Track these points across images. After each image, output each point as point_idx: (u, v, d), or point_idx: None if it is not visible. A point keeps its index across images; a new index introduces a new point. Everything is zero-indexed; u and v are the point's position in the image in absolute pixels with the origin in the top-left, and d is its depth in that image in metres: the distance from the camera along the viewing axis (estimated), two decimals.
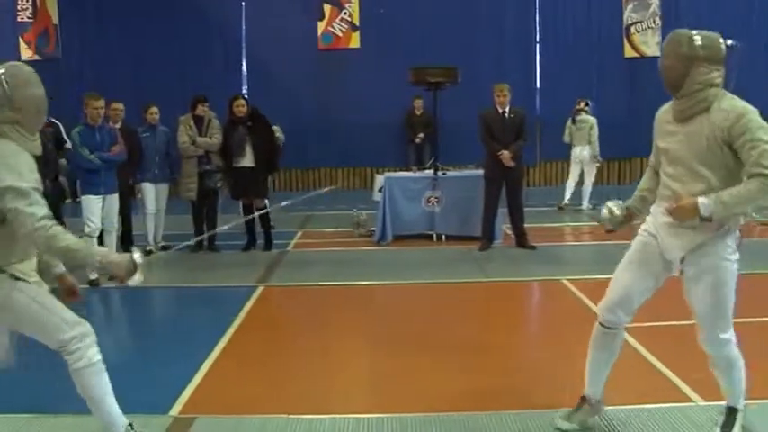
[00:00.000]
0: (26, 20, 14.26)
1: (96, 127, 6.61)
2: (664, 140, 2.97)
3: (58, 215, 7.46)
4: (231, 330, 4.98)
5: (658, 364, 4.00)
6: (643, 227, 3.11)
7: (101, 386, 3.00)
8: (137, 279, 2.84)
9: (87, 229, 6.56)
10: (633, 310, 3.08)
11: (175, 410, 3.61)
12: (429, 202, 8.19)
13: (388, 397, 3.78)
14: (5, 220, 2.66)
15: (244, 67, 13.95)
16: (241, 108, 7.72)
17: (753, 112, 2.74)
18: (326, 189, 3.30)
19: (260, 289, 6.20)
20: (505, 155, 7.48)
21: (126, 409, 3.52)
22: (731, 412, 3.09)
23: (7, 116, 2.72)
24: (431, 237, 8.22)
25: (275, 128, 8.36)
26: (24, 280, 2.80)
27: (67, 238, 2.67)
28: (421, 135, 12.36)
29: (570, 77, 13.26)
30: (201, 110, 7.77)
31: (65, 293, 3.12)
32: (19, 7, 14.14)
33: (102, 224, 6.67)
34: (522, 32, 14.01)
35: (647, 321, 4.08)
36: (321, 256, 7.78)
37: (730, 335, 2.93)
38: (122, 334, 5.55)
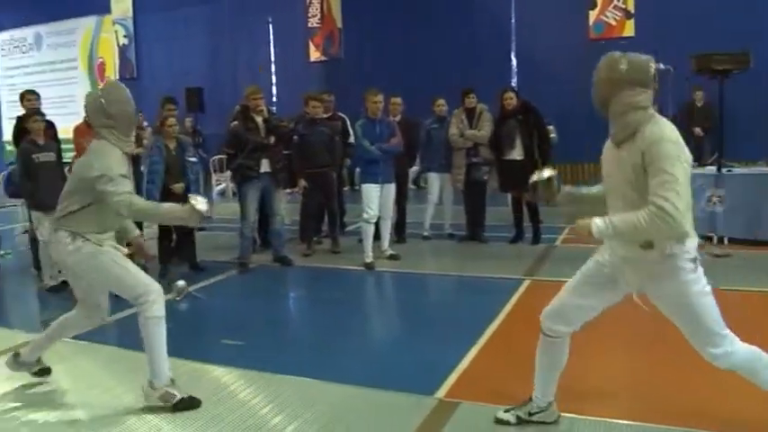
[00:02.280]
0: (315, 25, 15.75)
1: (376, 120, 7.05)
2: (604, 167, 3.04)
3: (340, 201, 8.22)
4: (497, 321, 5.00)
5: None
6: (597, 256, 3.12)
7: (158, 337, 3.65)
8: (201, 208, 3.45)
9: (365, 216, 7.04)
10: (574, 324, 3.14)
11: (441, 393, 3.71)
12: (711, 201, 7.44)
13: (646, 404, 3.51)
14: (96, 200, 3.50)
15: (513, 60, 13.93)
16: (510, 101, 7.68)
17: (669, 141, 2.68)
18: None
19: (526, 282, 6.13)
20: None
21: (393, 387, 3.74)
22: None
23: (104, 122, 3.58)
24: (710, 239, 7.48)
25: (549, 128, 8.18)
26: (100, 245, 3.58)
27: (140, 203, 3.57)
28: (698, 129, 11.26)
29: None
30: (469, 102, 7.89)
31: (138, 253, 4.14)
32: (309, 14, 15.67)
33: (380, 212, 7.10)
34: None
35: None
36: (592, 253, 7.41)
37: (726, 346, 2.85)
38: (394, 315, 5.86)
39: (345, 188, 9.07)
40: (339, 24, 15.55)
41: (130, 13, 18.44)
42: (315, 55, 15.85)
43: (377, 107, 7.05)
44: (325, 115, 7.71)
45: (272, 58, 16.39)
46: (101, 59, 19.33)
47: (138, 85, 17.94)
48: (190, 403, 3.65)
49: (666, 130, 2.73)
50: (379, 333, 5.31)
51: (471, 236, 8.06)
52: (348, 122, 8.25)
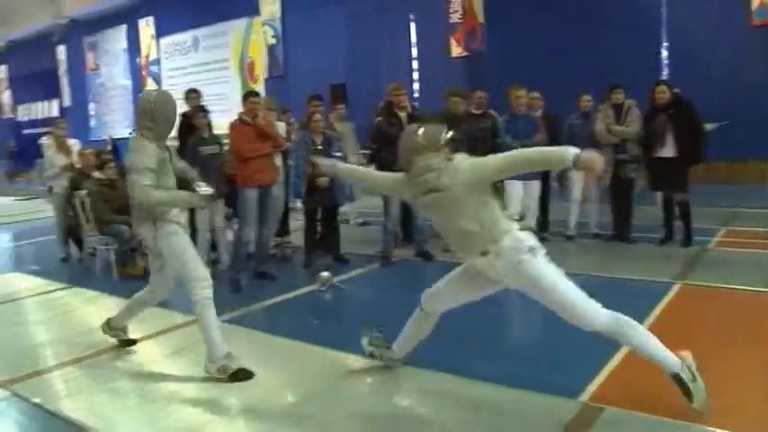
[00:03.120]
0: (456, 21, 15.70)
1: (519, 115, 6.94)
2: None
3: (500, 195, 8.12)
4: (645, 325, 4.75)
5: None
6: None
7: (209, 317, 4.18)
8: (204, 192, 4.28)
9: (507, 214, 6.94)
10: (450, 306, 3.83)
11: (584, 397, 3.61)
12: None
13: None
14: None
15: (664, 51, 13.21)
16: (662, 94, 7.28)
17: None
18: None
19: (676, 286, 5.81)
20: None
21: (534, 387, 3.68)
22: (676, 378, 3.32)
23: (146, 124, 4.15)
24: None
25: (710, 125, 7.69)
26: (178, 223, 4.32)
27: (156, 194, 4.08)
28: None
29: None
30: (617, 98, 7.57)
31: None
32: (450, 10, 15.64)
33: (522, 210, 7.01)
34: None
35: None
36: (750, 257, 6.90)
37: (592, 314, 3.35)
38: (536, 314, 5.71)
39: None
40: (481, 19, 15.42)
41: (278, 14, 19.20)
42: (456, 50, 15.82)
43: (520, 102, 6.94)
44: (477, 112, 7.67)
45: (414, 54, 16.53)
46: (250, 59, 20.30)
47: (285, 83, 18.71)
48: (246, 374, 4.14)
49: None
50: (521, 331, 5.24)
51: (618, 236, 7.75)
52: (498, 120, 8.17)
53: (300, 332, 4.99)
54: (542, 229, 7.84)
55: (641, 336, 3.38)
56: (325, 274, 6.27)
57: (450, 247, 3.65)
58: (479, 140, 7.52)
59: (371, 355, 4.13)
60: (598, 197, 8.06)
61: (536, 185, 7.06)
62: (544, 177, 7.39)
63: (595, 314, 3.31)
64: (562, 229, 8.18)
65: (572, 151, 3.06)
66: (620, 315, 3.38)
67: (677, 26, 12.75)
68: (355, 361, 4.29)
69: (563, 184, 8.14)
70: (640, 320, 4.76)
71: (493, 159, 3.36)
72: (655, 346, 3.34)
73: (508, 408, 3.55)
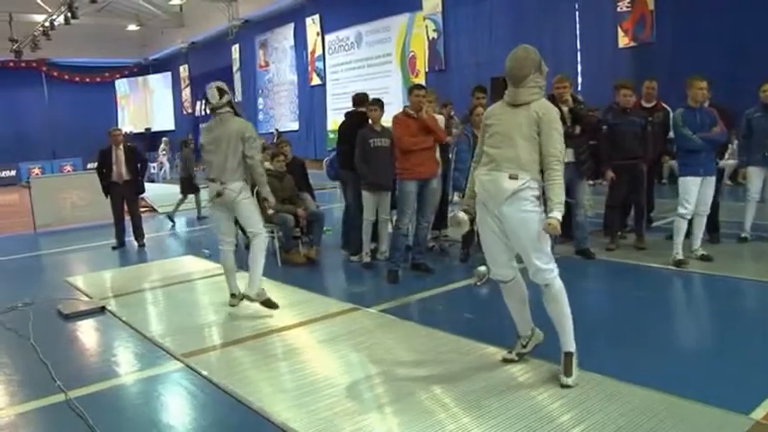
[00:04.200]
0: (624, 9, 14.96)
1: (697, 108, 6.52)
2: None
3: (649, 195, 7.72)
4: None
5: None
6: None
7: (261, 254, 5.67)
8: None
9: (681, 210, 6.55)
10: (509, 265, 4.01)
11: (758, 414, 3.34)
12: None
13: None
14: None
15: None
16: None
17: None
18: None
19: None
20: None
21: (698, 397, 3.47)
22: (568, 356, 3.82)
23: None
24: None
25: None
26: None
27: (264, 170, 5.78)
28: None
29: None
30: None
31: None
32: None
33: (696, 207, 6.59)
34: None
35: None
36: None
37: (553, 267, 3.82)
38: (703, 320, 5.38)
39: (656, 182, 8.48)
40: (651, 6, 14.61)
41: (440, 9, 19.27)
42: (623, 41, 15.11)
43: (702, 94, 6.51)
44: (648, 104, 7.28)
45: (578, 46, 15.99)
46: (412, 53, 20.53)
47: (447, 77, 18.77)
48: (271, 303, 5.65)
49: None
50: (686, 338, 4.92)
51: None
52: (671, 114, 7.74)
53: (455, 326, 5.01)
54: (710, 229, 7.30)
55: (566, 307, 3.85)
56: (482, 268, 6.23)
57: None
58: (650, 133, 7.19)
59: (520, 356, 4.22)
60: None
61: (713, 182, 6.60)
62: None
63: (556, 270, 3.84)
64: (737, 231, 7.62)
65: (556, 213, 3.65)
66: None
67: None
68: (499, 354, 4.27)
69: (738, 182, 7.56)
70: None
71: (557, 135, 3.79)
72: (569, 323, 3.84)
73: (667, 416, 3.35)
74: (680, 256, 6.54)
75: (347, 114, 7.75)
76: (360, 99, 7.74)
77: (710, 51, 12.46)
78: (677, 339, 4.84)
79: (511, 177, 3.73)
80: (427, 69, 19.89)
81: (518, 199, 3.74)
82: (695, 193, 6.49)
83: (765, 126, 7.22)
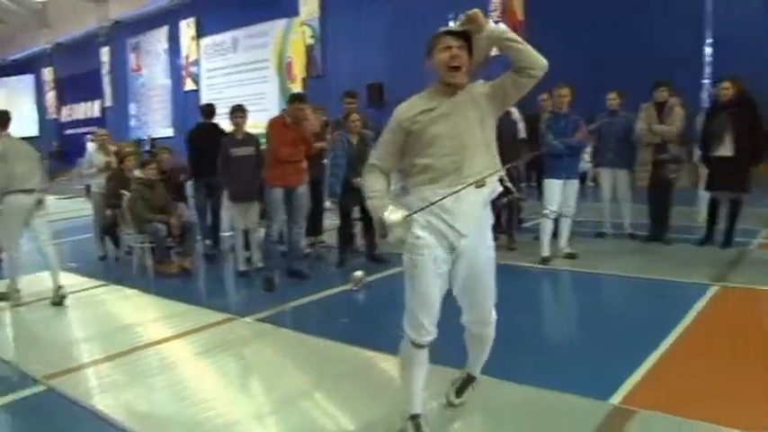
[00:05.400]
0: (496, 19, 15.46)
1: (561, 114, 6.90)
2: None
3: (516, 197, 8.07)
4: (681, 328, 4.71)
5: None
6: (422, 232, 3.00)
7: None
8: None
9: (545, 211, 6.92)
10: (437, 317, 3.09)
11: (617, 399, 3.58)
12: None
13: None
14: None
15: (707, 49, 12.88)
16: (726, 91, 7.05)
17: None
18: None
19: (714, 288, 5.70)
20: None
21: (567, 389, 3.66)
22: (470, 380, 3.55)
23: None
24: None
25: None
26: None
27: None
28: None
29: None
30: (660, 96, 7.42)
31: None
32: (490, 8, 15.48)
33: (560, 209, 6.97)
34: None
35: None
36: None
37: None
38: (569, 315, 5.70)
39: (523, 184, 8.83)
40: (521, 17, 15.23)
41: (317, 14, 19.31)
42: (495, 50, 15.66)
43: (561, 101, 6.91)
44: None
45: None
46: (290, 59, 20.46)
47: (324, 83, 18.79)
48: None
49: None
50: (554, 333, 5.19)
51: (654, 236, 7.63)
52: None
53: (332, 331, 5.02)
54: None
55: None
56: (358, 273, 6.30)
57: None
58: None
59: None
60: (630, 197, 7.94)
61: (576, 184, 7.00)
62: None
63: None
64: (596, 228, 8.13)
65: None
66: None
67: (723, 21, 12.34)
68: (385, 360, 4.29)
69: (590, 183, 8.07)
70: (676, 322, 4.76)
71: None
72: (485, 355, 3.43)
73: (538, 409, 3.53)
74: (546, 254, 6.90)
75: (198, 126, 8.00)
76: (210, 110, 8.08)
77: (577, 61, 13.15)
78: (544, 335, 5.10)
79: (478, 186, 2.98)
80: (305, 75, 19.87)
81: (485, 228, 3.14)
82: (559, 194, 6.86)
83: (611, 131, 7.72)
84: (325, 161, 7.55)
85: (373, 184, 3.11)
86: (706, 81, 12.45)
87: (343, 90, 7.86)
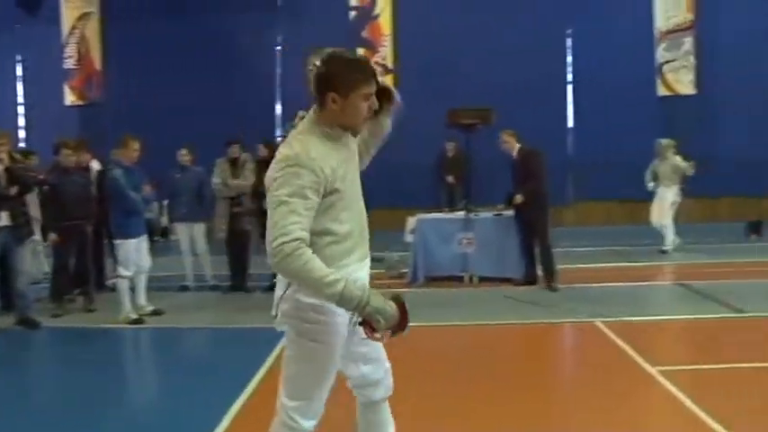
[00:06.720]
0: (72, 67, 14.80)
1: (134, 168, 6.68)
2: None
3: (98, 256, 7.66)
4: (263, 370, 4.93)
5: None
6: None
7: None
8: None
9: (125, 273, 6.59)
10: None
11: None
12: (462, 243, 8.05)
13: None
14: None
15: (278, 110, 14.11)
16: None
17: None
18: None
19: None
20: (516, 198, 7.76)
21: None
22: None
23: None
24: (462, 278, 8.12)
25: None
26: None
27: None
28: (450, 177, 12.11)
29: (603, 118, 13.25)
30: (233, 152, 7.87)
31: None
32: (65, 55, 14.66)
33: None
34: (554, 73, 14.06)
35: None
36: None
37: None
38: (152, 375, 5.59)
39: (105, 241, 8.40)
40: (98, 66, 14.71)
41: None
42: (71, 98, 14.83)
43: (136, 155, 6.70)
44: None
45: (22, 100, 15.14)
46: None
47: None
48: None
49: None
50: (138, 392, 5.02)
51: (236, 286, 7.97)
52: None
53: None
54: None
55: None
56: None
57: None
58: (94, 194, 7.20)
59: None
60: (208, 249, 8.22)
61: (145, 239, 6.89)
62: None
63: None
64: (174, 283, 8.26)
65: None
66: None
67: (291, 88, 13.54)
68: None
69: (166, 237, 8.16)
70: (260, 364, 4.98)
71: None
72: None
73: None
74: (134, 315, 6.62)
75: None
76: None
77: (163, 112, 13.07)
78: (126, 396, 4.90)
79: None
80: None
81: None
82: (134, 253, 6.65)
83: (184, 186, 7.97)
84: None
85: (322, 267, 2.21)
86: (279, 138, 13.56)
87: None
